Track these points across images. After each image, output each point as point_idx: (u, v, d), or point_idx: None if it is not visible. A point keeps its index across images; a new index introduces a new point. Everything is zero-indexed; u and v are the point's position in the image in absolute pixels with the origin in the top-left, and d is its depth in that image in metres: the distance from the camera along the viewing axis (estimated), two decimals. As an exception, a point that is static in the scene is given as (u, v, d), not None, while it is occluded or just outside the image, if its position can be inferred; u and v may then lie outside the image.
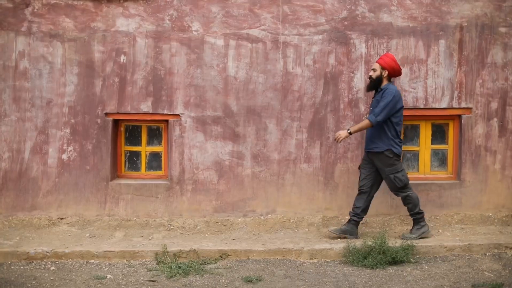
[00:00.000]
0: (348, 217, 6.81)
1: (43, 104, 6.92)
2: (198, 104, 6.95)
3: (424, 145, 7.13)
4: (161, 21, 6.90)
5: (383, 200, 6.95)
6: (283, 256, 6.07)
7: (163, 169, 7.20)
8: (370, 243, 5.95)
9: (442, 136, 7.17)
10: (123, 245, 6.22)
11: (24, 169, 6.93)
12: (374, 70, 6.35)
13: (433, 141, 7.16)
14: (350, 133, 6.27)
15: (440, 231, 6.64)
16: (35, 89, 6.91)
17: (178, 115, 6.96)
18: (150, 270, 5.74)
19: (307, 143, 6.97)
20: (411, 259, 5.88)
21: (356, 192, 6.58)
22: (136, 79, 6.92)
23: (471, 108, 6.97)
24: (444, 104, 6.95)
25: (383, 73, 6.31)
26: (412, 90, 6.94)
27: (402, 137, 6.68)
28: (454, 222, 6.86)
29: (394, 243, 6.00)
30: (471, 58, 6.93)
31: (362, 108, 6.91)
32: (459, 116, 7.02)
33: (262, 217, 6.95)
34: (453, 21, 6.91)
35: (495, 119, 6.97)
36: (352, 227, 6.42)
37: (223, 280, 5.48)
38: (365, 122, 6.24)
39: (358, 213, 6.41)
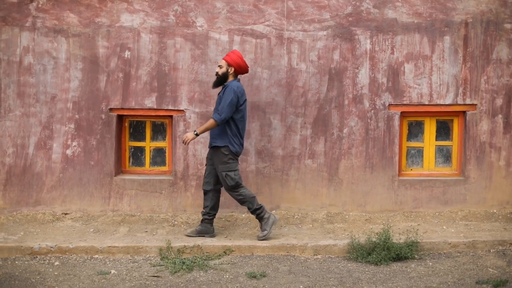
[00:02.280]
0: (348, 214, 6.83)
1: (47, 99, 6.92)
2: (202, 99, 6.94)
3: (429, 141, 7.12)
4: (165, 16, 6.89)
5: (387, 196, 6.94)
6: (287, 252, 6.07)
7: (167, 165, 7.20)
8: (374, 239, 5.95)
9: (447, 132, 7.15)
10: (127, 241, 6.23)
11: (29, 164, 6.94)
12: (220, 66, 6.29)
13: (437, 138, 7.14)
14: (196, 134, 6.20)
15: (444, 227, 6.63)
16: (39, 85, 6.91)
17: (183, 110, 6.96)
18: (154, 266, 5.75)
19: (312, 139, 6.96)
20: (415, 256, 5.88)
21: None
22: (140, 75, 6.92)
23: (475, 105, 6.95)
24: (448, 101, 6.94)
25: (229, 70, 6.26)
26: (417, 86, 6.92)
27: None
28: (458, 218, 6.85)
29: (398, 239, 6.00)
30: (476, 54, 6.91)
31: (367, 104, 6.90)
32: (464, 112, 7.00)
33: (266, 213, 6.95)
34: (458, 17, 6.88)
35: (500, 116, 6.96)
36: (206, 226, 6.38)
37: (227, 276, 5.49)
38: (210, 122, 6.16)
39: (208, 212, 6.38)
